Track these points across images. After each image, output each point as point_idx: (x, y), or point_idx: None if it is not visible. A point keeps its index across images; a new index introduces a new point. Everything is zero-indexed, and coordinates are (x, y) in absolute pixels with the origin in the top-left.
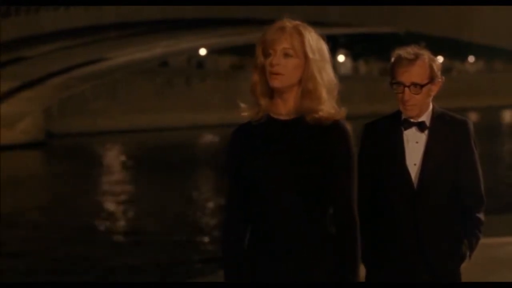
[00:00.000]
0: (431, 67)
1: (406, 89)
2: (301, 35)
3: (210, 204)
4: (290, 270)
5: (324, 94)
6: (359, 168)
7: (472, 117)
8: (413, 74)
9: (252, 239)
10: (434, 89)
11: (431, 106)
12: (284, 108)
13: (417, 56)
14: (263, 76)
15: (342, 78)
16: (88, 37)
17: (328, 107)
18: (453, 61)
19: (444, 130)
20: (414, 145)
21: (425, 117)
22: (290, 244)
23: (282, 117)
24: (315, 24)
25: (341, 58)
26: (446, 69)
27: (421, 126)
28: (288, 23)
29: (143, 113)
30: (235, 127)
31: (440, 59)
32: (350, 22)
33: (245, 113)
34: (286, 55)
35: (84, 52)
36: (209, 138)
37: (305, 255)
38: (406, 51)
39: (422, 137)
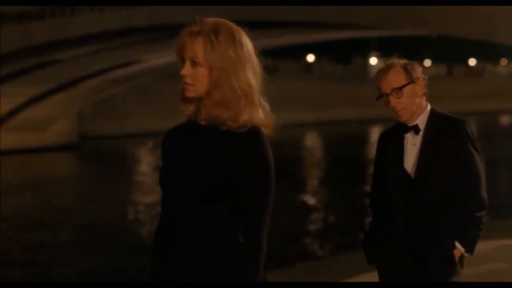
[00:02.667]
0: (406, 70)
1: (390, 96)
2: (204, 41)
3: None
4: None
5: (234, 104)
6: (374, 172)
7: (504, 120)
8: (390, 81)
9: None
10: (419, 89)
11: (427, 109)
12: (205, 113)
13: (389, 66)
14: None
15: (374, 82)
16: (120, 40)
17: (243, 115)
18: (485, 63)
19: (439, 132)
20: (412, 147)
21: (420, 120)
22: (191, 254)
23: (202, 122)
24: (346, 26)
25: (373, 60)
26: (478, 72)
27: (415, 129)
28: (196, 27)
29: (174, 116)
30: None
31: (472, 61)
32: (381, 24)
33: (183, 113)
34: (194, 63)
35: (117, 55)
36: None
37: (207, 267)
38: (380, 67)
39: (418, 139)
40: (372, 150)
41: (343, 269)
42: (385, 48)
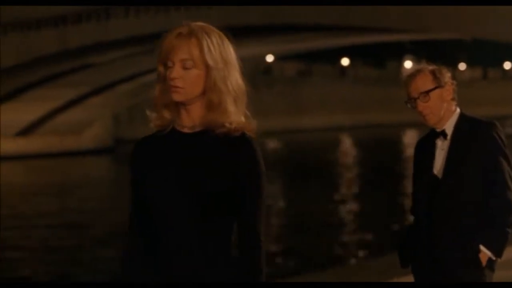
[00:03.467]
0: (433, 74)
1: (417, 101)
2: (199, 41)
3: (276, 211)
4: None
5: (230, 105)
6: (413, 177)
7: None
8: (418, 85)
9: (149, 258)
10: (447, 94)
11: (456, 113)
12: (188, 121)
13: (417, 70)
14: (165, 87)
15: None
16: (156, 44)
17: (236, 118)
18: None
19: (467, 136)
20: (441, 152)
21: (448, 125)
22: (187, 268)
23: (186, 130)
24: (381, 29)
25: (408, 64)
26: None
27: (443, 134)
28: (185, 29)
29: None
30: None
31: (507, 65)
32: (416, 28)
33: (151, 123)
34: (185, 66)
35: (152, 59)
36: (273, 144)
37: (204, 278)
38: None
39: (446, 144)
40: (406, 153)
41: (378, 271)
42: (419, 52)
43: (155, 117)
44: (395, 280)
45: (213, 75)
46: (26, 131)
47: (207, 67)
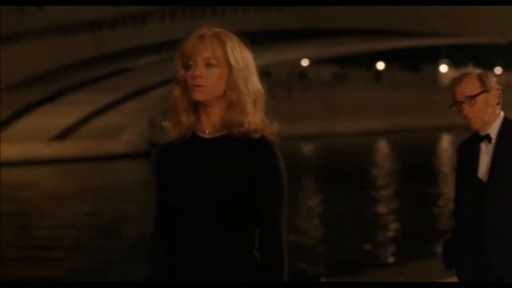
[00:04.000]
0: (480, 79)
1: (463, 104)
2: (222, 42)
3: (310, 213)
4: None
5: (249, 105)
6: (455, 180)
7: None
8: (464, 89)
9: (174, 263)
10: (492, 98)
11: (500, 117)
12: (209, 125)
13: (464, 74)
14: (185, 90)
15: (444, 90)
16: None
17: (255, 119)
18: None
19: (511, 140)
20: (485, 156)
21: (493, 129)
22: (209, 270)
23: (206, 135)
24: (416, 33)
25: (443, 68)
26: None
27: (487, 138)
28: (208, 31)
29: None
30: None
31: None
32: (451, 32)
33: (169, 133)
34: (208, 65)
35: None
36: (309, 148)
37: (226, 280)
38: (455, 75)
39: (491, 148)
40: (442, 157)
41: (418, 274)
42: (455, 56)
43: (173, 124)
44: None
45: (235, 75)
46: (62, 135)
47: (229, 67)
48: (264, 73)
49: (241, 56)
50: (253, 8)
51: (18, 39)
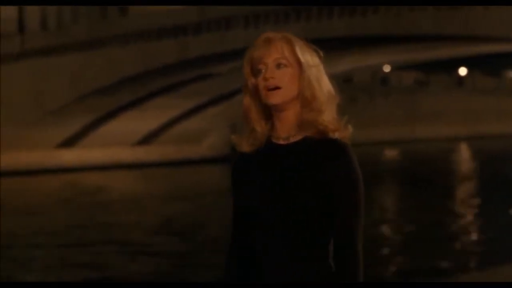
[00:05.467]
0: None
1: None
2: (289, 42)
3: (393, 220)
4: None
5: (324, 104)
6: None
7: None
8: None
9: (250, 270)
10: None
11: None
12: (283, 130)
13: None
14: (256, 97)
15: None
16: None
17: (329, 118)
18: None
19: None
20: None
21: None
22: (286, 279)
23: (281, 141)
24: (498, 39)
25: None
26: None
27: None
28: (273, 34)
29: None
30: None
31: None
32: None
33: (240, 148)
34: (279, 65)
35: None
36: (390, 153)
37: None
38: None
39: None
40: None
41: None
42: None
43: (245, 137)
44: None
45: (307, 73)
46: (145, 140)
47: (300, 66)
48: (346, 79)
49: (310, 56)
50: (337, 14)
51: (102, 44)
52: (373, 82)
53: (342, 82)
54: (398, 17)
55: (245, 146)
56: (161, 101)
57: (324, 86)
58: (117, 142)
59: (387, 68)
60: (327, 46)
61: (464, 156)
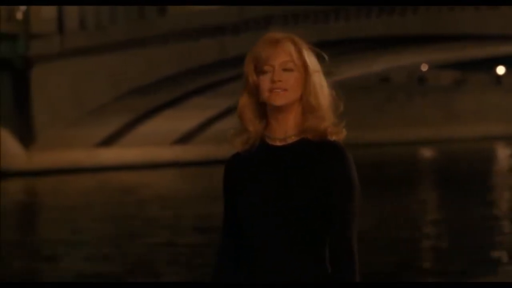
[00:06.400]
0: None
1: None
2: (297, 45)
3: (425, 220)
4: None
5: (327, 111)
6: None
7: None
8: None
9: (242, 272)
10: None
11: None
12: (280, 131)
13: None
14: (254, 97)
15: None
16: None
17: (330, 123)
18: None
19: None
20: None
21: None
22: (284, 280)
23: (277, 143)
24: None
25: None
26: None
27: None
28: (280, 35)
29: (363, 128)
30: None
31: None
32: None
33: (233, 144)
34: (285, 69)
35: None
36: (429, 153)
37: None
38: None
39: None
40: None
41: None
42: None
43: (237, 134)
44: None
45: (312, 79)
46: (183, 139)
47: (306, 70)
48: (384, 78)
49: (314, 59)
50: (375, 14)
51: (141, 44)
52: (410, 81)
53: (379, 81)
54: (437, 16)
55: (238, 144)
56: (199, 100)
57: (326, 91)
58: (155, 141)
59: (424, 67)
60: (365, 46)
61: (502, 155)
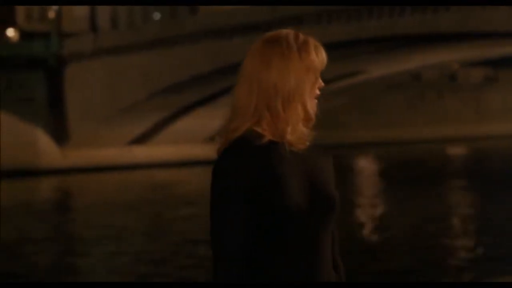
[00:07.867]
0: None
1: None
2: None
3: (453, 217)
4: None
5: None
6: None
7: None
8: None
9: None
10: None
11: None
12: (298, 138)
13: None
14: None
15: None
16: (346, 51)
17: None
18: None
19: None
20: None
21: None
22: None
23: (294, 148)
24: None
25: None
26: None
27: None
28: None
29: (394, 126)
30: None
31: None
32: None
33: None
34: None
35: (342, 66)
36: (458, 151)
37: None
38: None
39: None
40: None
41: None
42: None
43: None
44: None
45: None
46: (215, 137)
47: None
48: (415, 76)
49: None
50: (408, 12)
51: (173, 43)
52: (441, 78)
53: (411, 79)
54: (469, 14)
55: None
56: (231, 99)
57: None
58: (188, 139)
59: (455, 65)
60: (397, 44)
61: None
